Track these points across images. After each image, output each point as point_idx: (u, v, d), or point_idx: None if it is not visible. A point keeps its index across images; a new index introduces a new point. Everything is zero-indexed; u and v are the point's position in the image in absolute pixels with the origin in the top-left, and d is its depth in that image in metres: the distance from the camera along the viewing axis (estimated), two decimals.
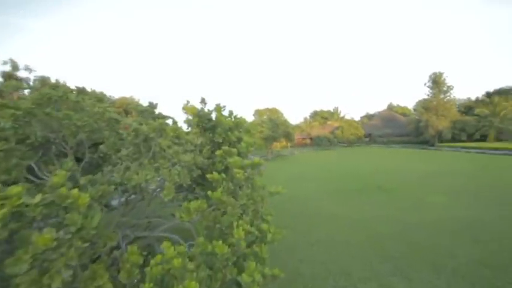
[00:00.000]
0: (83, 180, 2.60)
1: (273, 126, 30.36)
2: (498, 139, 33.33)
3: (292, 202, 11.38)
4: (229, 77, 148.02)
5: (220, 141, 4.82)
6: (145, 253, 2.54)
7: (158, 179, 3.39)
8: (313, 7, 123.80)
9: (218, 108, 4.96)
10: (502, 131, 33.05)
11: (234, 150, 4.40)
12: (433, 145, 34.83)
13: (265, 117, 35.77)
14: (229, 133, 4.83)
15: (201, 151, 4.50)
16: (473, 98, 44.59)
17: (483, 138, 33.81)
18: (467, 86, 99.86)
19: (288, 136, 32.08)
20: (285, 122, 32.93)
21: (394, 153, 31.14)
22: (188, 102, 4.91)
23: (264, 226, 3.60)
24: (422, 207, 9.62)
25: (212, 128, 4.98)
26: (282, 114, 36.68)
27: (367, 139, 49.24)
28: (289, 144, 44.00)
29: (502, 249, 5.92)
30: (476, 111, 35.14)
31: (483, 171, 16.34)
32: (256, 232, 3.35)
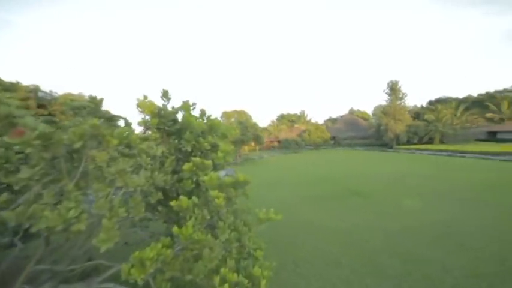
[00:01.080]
0: None
1: (242, 129, 29.41)
2: (442, 142, 37.12)
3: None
4: (193, 77, 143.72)
5: (189, 149, 3.67)
6: None
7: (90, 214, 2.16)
8: (281, 12, 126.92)
9: (186, 106, 3.81)
10: (444, 134, 36.92)
11: (208, 162, 3.31)
12: (391, 147, 37.47)
13: (233, 119, 34.69)
14: (201, 139, 3.71)
15: (162, 164, 3.31)
16: (418, 105, 49.75)
17: (431, 140, 37.43)
18: (414, 94, 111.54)
19: (257, 139, 31.43)
20: (255, 125, 32.27)
21: (360, 155, 32.51)
22: (146, 97, 3.66)
23: (256, 271, 2.57)
24: (401, 212, 9.49)
25: (178, 132, 3.81)
26: (250, 116, 35.93)
27: (332, 142, 51.11)
28: (257, 148, 43.46)
29: (490, 257, 5.76)
30: (425, 116, 38.86)
31: (441, 172, 17.44)
32: (246, 281, 2.31)
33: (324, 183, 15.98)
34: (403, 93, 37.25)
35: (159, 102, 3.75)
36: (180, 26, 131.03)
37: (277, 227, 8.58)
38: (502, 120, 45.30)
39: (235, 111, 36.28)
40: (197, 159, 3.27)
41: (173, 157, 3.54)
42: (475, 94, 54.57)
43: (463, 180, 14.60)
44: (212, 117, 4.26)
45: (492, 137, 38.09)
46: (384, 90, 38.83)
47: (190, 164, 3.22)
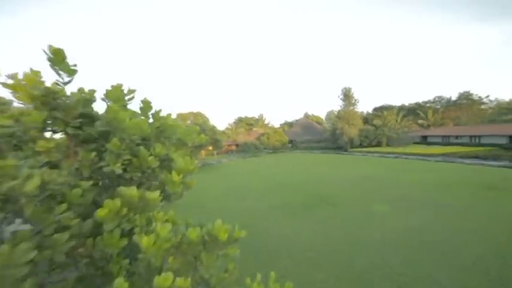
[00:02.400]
0: None
1: (199, 132, 27.17)
2: (388, 144, 40.72)
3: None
4: (141, 75, 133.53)
5: (120, 171, 2.01)
6: None
7: None
8: (240, 15, 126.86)
9: (113, 92, 2.14)
10: (389, 138, 40.63)
11: (154, 196, 1.75)
12: (346, 150, 39.53)
13: (189, 121, 32.09)
14: (142, 149, 2.10)
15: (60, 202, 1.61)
16: (364, 111, 54.52)
17: (379, 143, 40.76)
18: (361, 101, 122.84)
19: (216, 143, 29.52)
20: (213, 128, 30.31)
21: (318, 158, 33.22)
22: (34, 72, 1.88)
23: None
24: (375, 221, 9.09)
25: (100, 136, 2.12)
26: (208, 119, 33.74)
27: (290, 145, 51.90)
28: (215, 152, 41.34)
29: (473, 266, 5.75)
30: (374, 122, 42.25)
31: (394, 174, 18.24)
32: None
33: (289, 190, 15.14)
34: (356, 100, 39.84)
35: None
36: (133, 22, 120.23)
37: (249, 247, 7.19)
38: (429, 126, 52.62)
39: (191, 113, 33.61)
40: (131, 190, 1.69)
41: (88, 184, 1.85)
42: (407, 103, 62.16)
43: (414, 182, 15.45)
44: (164, 115, 2.65)
45: (424, 140, 43.45)
46: (338, 96, 41.00)
47: (115, 201, 1.62)
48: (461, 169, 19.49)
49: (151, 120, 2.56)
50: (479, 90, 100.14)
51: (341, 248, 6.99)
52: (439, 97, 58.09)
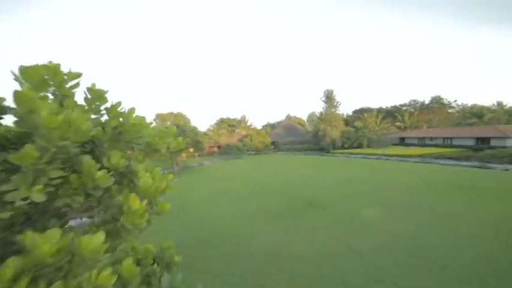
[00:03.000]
0: None
1: (180, 133, 25.91)
2: (368, 146, 41.73)
3: (218, 239, 8.22)
4: (123, 75, 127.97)
5: (41, 198, 1.20)
6: None
7: None
8: (222, 15, 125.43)
9: (30, 70, 1.33)
10: (370, 139, 41.68)
11: (96, 243, 0.92)
12: (328, 152, 39.90)
13: (168, 122, 30.57)
14: (86, 160, 1.31)
15: None
16: (345, 113, 55.92)
17: (360, 145, 41.64)
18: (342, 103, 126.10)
19: (197, 145, 28.33)
20: (194, 129, 29.09)
21: (302, 160, 33.08)
22: None
23: None
24: (366, 226, 8.77)
25: (14, 141, 1.30)
26: (189, 120, 32.34)
27: (273, 147, 51.63)
28: (197, 154, 39.95)
29: (471, 275, 5.48)
30: (355, 123, 43.15)
31: (378, 175, 18.27)
32: None
33: (275, 193, 14.58)
34: (337, 102, 40.39)
35: None
36: (111, 20, 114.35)
37: (234, 258, 6.47)
38: (405, 128, 55.02)
39: (171, 114, 32.01)
40: (45, 237, 0.92)
41: None
42: (385, 106, 64.61)
43: (398, 183, 15.54)
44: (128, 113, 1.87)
45: (402, 141, 45.16)
46: (320, 98, 41.32)
47: (6, 270, 0.82)
48: (440, 170, 20.11)
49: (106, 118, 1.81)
50: (451, 95, 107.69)
51: (335, 260, 6.48)
52: (414, 101, 60.95)
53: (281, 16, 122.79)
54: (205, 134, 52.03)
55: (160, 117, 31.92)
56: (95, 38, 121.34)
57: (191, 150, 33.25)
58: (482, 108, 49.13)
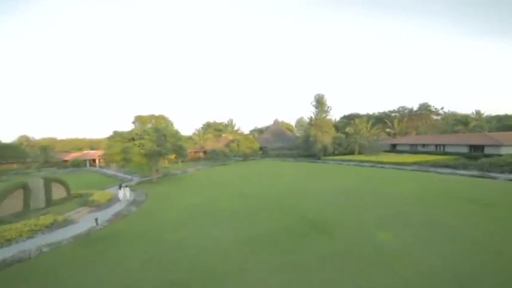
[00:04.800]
0: None
1: (159, 138, 23.04)
2: (360, 152, 40.43)
3: (196, 283, 5.83)
4: (103, 77, 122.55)
5: None
6: None
7: None
8: (209, 18, 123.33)
9: None
10: (361, 145, 40.43)
11: None
12: (319, 158, 38.11)
13: (149, 125, 27.60)
14: None
15: None
16: (333, 119, 54.83)
17: (351, 151, 40.23)
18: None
19: (179, 151, 25.53)
20: (176, 134, 26.30)
21: (293, 167, 30.94)
22: None
23: None
24: (384, 258, 6.71)
25: None
26: (171, 123, 29.48)
27: (261, 153, 49.38)
28: (180, 160, 36.94)
29: None
30: (346, 129, 41.78)
31: (378, 186, 16.30)
32: None
33: (268, 209, 12.18)
34: (328, 107, 38.90)
35: None
36: (110, 20, 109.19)
37: None
38: (395, 134, 54.61)
39: (152, 116, 29.08)
40: None
41: None
42: (372, 112, 64.41)
43: (402, 195, 13.88)
44: None
45: (394, 148, 44.23)
46: (311, 103, 39.71)
47: None
48: (443, 180, 18.61)
49: None
50: (439, 102, 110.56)
51: None
52: (403, 107, 61.01)
53: (270, 20, 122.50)
54: (190, 138, 49.00)
55: (140, 119, 28.78)
56: (94, 38, 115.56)
57: (172, 157, 30.27)
58: (466, 116, 49.65)
